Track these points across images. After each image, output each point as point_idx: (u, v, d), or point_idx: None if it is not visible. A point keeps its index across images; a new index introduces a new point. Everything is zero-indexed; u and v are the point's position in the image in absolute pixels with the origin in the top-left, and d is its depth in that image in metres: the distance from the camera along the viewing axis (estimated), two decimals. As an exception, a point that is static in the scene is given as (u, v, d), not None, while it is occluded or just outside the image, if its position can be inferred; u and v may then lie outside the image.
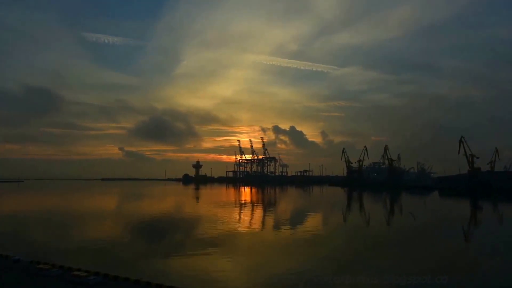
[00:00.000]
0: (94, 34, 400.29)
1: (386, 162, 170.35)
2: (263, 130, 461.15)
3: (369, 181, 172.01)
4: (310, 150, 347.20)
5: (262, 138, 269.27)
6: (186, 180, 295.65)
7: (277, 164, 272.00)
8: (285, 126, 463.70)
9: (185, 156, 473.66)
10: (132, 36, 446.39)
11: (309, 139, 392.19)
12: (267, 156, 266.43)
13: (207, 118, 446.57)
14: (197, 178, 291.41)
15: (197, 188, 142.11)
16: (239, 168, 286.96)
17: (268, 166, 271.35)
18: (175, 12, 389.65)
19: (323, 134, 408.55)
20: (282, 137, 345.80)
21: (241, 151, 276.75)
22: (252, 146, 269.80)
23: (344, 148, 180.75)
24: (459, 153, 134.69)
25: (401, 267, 18.04)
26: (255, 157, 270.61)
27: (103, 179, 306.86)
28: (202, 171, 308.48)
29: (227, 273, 16.88)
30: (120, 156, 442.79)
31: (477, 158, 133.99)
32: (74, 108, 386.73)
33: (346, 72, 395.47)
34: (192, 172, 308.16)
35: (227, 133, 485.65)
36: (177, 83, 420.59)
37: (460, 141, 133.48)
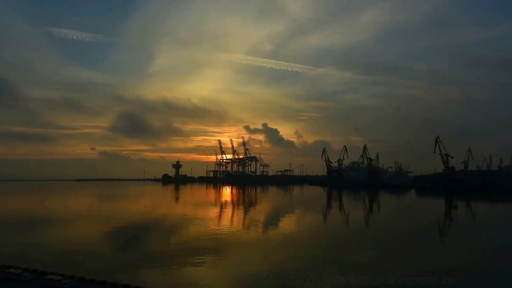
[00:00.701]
0: (62, 30, 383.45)
1: (365, 161, 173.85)
2: (242, 129, 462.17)
3: (349, 180, 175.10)
4: (290, 150, 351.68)
5: (242, 137, 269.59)
6: (165, 180, 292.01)
7: (258, 163, 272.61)
8: (263, 126, 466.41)
9: (163, 156, 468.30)
10: (101, 33, 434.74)
11: (288, 139, 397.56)
12: (248, 155, 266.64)
13: (185, 117, 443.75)
14: (177, 178, 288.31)
15: (177, 188, 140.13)
16: (220, 168, 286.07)
17: (249, 166, 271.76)
18: (146, 8, 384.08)
19: (302, 134, 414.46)
20: (261, 137, 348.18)
21: (222, 150, 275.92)
22: (233, 146, 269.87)
23: (324, 148, 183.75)
24: (434, 152, 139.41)
25: (384, 265, 18.07)
26: (236, 156, 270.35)
27: (78, 180, 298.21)
28: (182, 171, 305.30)
29: (207, 275, 16.38)
30: (95, 155, 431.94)
31: (452, 157, 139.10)
32: (45, 106, 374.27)
33: (321, 73, 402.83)
34: (171, 172, 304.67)
35: (206, 133, 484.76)
36: (152, 82, 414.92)
37: (436, 141, 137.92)
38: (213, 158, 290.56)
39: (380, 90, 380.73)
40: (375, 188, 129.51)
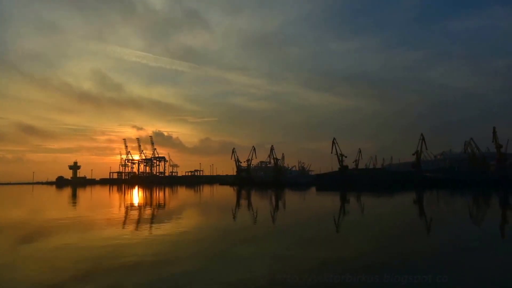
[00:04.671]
0: None
1: (272, 161, 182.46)
2: (133, 130, 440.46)
3: (257, 179, 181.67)
4: (185, 151, 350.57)
5: (151, 137, 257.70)
6: (60, 183, 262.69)
7: (167, 164, 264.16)
8: (161, 126, 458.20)
9: (55, 157, 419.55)
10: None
11: (184, 140, 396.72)
12: (156, 155, 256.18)
13: (69, 112, 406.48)
14: (75, 181, 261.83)
15: (74, 192, 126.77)
16: (125, 169, 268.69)
17: (158, 167, 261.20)
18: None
19: (200, 135, 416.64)
20: (162, 138, 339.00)
21: (127, 150, 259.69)
22: (140, 146, 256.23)
23: (234, 148, 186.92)
24: (332, 152, 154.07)
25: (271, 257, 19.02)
26: (143, 157, 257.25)
27: None
28: (81, 173, 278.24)
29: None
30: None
31: (345, 157, 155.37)
32: None
33: (204, 72, 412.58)
34: (67, 174, 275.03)
35: (103, 132, 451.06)
36: (17, 69, 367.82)
37: (333, 142, 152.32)
38: (118, 159, 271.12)
39: (263, 94, 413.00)
40: (281, 186, 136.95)
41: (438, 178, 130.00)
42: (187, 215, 43.27)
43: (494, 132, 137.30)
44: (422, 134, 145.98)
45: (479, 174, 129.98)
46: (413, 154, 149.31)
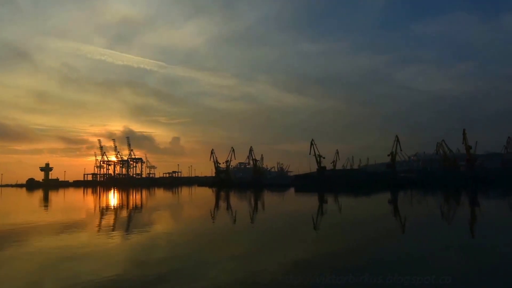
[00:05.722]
0: None
1: (251, 162, 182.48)
2: (110, 130, 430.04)
3: (236, 180, 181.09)
4: (166, 151, 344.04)
5: (128, 137, 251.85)
6: (31, 185, 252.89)
7: (144, 165, 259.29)
8: (134, 127, 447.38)
9: (28, 158, 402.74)
10: None
11: (165, 141, 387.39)
12: (133, 156, 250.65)
13: (35, 112, 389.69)
14: (47, 183, 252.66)
15: (45, 195, 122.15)
16: (100, 170, 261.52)
17: (135, 168, 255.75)
18: None
19: (178, 134, 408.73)
20: (135, 139, 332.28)
21: (103, 151, 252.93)
22: (115, 146, 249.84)
23: (212, 149, 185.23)
24: (310, 154, 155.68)
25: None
26: (119, 158, 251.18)
27: None
28: (53, 175, 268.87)
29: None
30: None
31: (323, 158, 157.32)
32: None
33: (173, 71, 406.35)
34: (39, 176, 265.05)
35: (74, 133, 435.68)
36: None
37: (311, 144, 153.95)
38: (93, 160, 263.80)
39: (236, 95, 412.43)
40: (260, 187, 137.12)
41: (412, 178, 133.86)
42: (162, 218, 42.51)
43: (464, 134, 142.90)
44: (397, 136, 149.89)
45: (450, 174, 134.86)
46: (388, 155, 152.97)
